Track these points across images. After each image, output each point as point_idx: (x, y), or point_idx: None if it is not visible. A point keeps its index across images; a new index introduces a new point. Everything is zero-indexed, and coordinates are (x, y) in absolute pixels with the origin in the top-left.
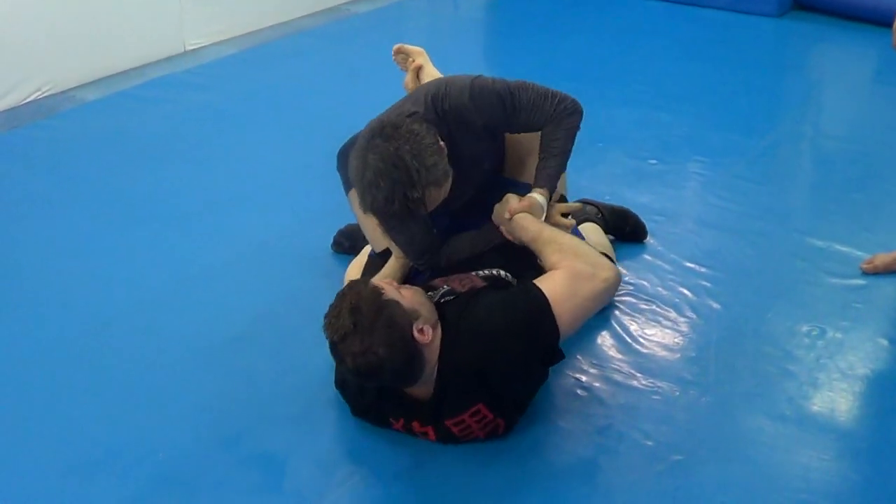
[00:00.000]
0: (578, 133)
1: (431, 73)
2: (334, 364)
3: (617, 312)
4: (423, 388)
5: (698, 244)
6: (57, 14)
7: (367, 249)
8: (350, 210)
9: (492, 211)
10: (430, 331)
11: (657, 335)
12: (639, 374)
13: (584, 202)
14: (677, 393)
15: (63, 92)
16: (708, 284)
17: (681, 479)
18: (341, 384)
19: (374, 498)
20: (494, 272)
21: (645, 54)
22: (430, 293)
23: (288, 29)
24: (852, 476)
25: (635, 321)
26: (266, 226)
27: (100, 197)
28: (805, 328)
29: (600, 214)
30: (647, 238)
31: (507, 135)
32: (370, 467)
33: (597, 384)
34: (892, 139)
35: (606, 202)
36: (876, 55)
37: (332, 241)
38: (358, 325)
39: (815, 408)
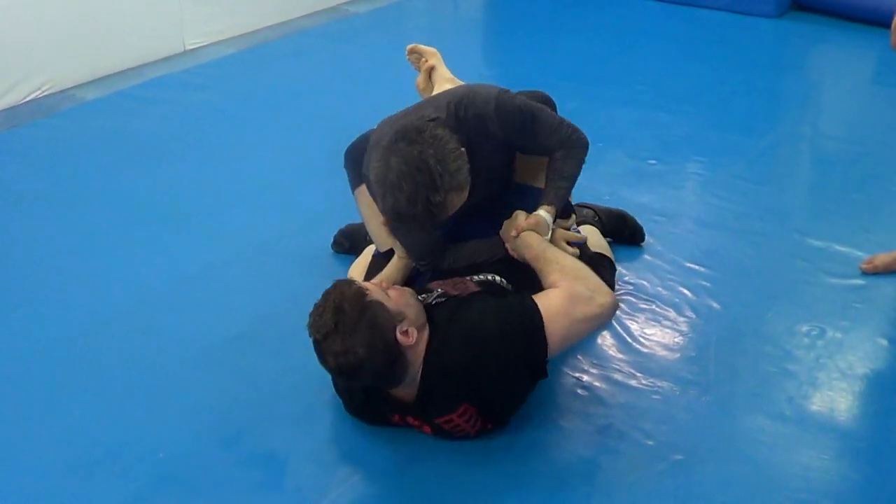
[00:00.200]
0: None
1: (443, 75)
2: None
3: (617, 312)
4: (407, 390)
5: (698, 244)
6: (57, 14)
7: (369, 250)
8: (351, 209)
9: (496, 219)
10: (416, 333)
11: (657, 335)
12: (639, 374)
13: (582, 206)
14: (677, 392)
15: (63, 91)
16: (708, 284)
17: (681, 478)
18: (334, 384)
19: (375, 496)
20: (489, 277)
21: (644, 54)
22: (422, 296)
23: (287, 29)
24: (852, 475)
25: (635, 321)
26: (266, 225)
27: (99, 196)
28: (805, 328)
29: (597, 218)
30: (646, 240)
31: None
32: (371, 466)
33: (597, 384)
34: (892, 139)
35: (604, 205)
36: (875, 55)
37: (332, 240)
38: (340, 324)
39: (815, 407)
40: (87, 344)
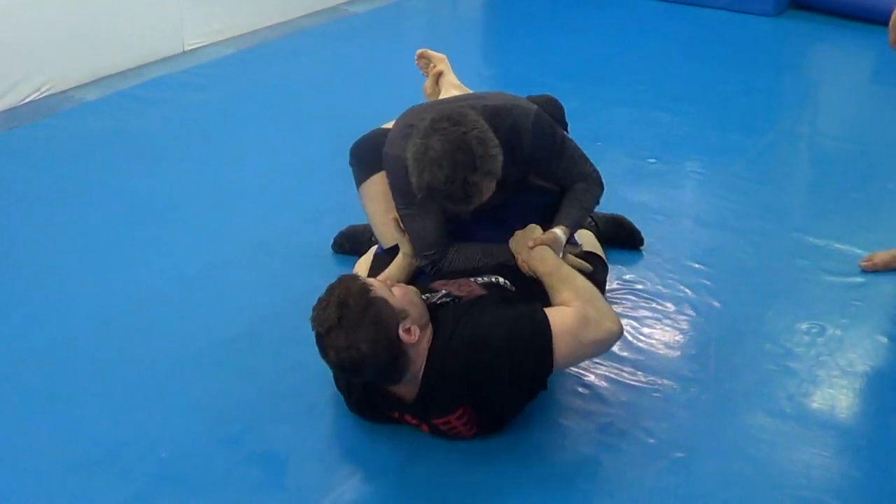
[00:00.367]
0: (578, 142)
1: (451, 80)
2: None
3: (618, 310)
4: (407, 388)
5: (698, 243)
6: (57, 14)
7: (373, 249)
8: (351, 209)
9: (498, 226)
10: (418, 331)
11: (657, 333)
12: (639, 372)
13: None
14: (678, 390)
15: (63, 92)
16: (708, 283)
17: (682, 475)
18: (335, 380)
19: (376, 495)
20: (493, 279)
21: (644, 54)
22: (426, 295)
23: (287, 29)
24: (852, 472)
25: (635, 319)
26: (266, 225)
27: (99, 196)
28: (805, 326)
29: (593, 223)
30: (646, 239)
31: None
32: (372, 465)
33: (597, 382)
34: (891, 138)
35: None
36: (873, 54)
37: (332, 241)
38: (343, 319)
39: (815, 405)
40: (87, 344)
